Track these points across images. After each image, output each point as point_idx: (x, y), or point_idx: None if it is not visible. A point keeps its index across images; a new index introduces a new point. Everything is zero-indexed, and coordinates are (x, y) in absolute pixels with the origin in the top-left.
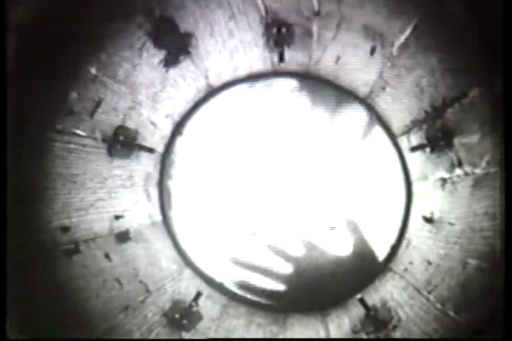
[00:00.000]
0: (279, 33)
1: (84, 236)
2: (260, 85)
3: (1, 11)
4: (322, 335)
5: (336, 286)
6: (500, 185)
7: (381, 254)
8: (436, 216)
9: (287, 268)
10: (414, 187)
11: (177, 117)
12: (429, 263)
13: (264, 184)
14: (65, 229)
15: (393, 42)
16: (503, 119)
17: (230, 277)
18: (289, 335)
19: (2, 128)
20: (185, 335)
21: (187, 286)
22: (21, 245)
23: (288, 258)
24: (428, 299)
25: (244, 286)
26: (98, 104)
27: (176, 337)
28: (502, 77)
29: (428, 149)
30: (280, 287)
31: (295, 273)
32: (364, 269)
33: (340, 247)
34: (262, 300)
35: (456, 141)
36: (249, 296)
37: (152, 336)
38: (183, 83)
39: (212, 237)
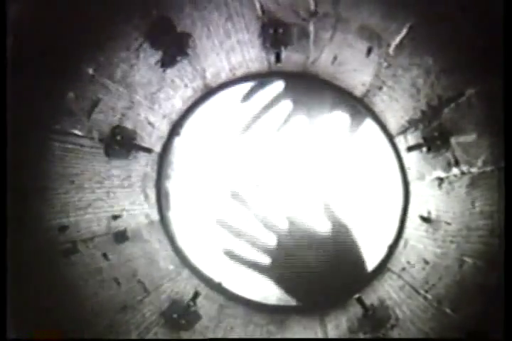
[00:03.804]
0: (275, 34)
1: (82, 235)
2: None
3: (1, 11)
4: (320, 335)
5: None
6: (499, 183)
7: (371, 263)
8: (433, 215)
9: (272, 241)
10: (412, 187)
11: (174, 117)
12: (426, 262)
13: (262, 184)
14: (63, 229)
15: (389, 42)
16: (503, 118)
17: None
18: (287, 335)
19: (2, 128)
20: (183, 335)
21: (185, 286)
22: (20, 245)
23: (273, 230)
24: (425, 298)
25: (232, 255)
26: (95, 104)
27: (174, 336)
28: (501, 76)
29: (425, 149)
30: (265, 260)
31: (280, 249)
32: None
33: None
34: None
35: (452, 140)
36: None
37: (150, 335)
38: (180, 83)
39: (210, 237)
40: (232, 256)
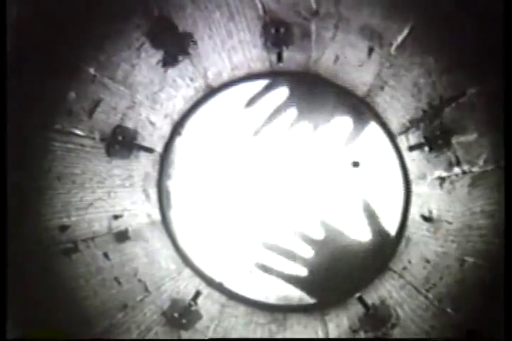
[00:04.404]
0: (277, 33)
1: (83, 235)
2: (259, 85)
3: (1, 11)
4: (321, 334)
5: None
6: (500, 183)
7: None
8: (434, 214)
9: (308, 252)
10: (413, 186)
11: (176, 117)
12: (427, 261)
13: (262, 184)
14: (64, 228)
15: (391, 42)
16: (504, 118)
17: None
18: (288, 334)
19: (2, 128)
20: (184, 334)
21: (186, 285)
22: (21, 244)
23: (309, 241)
24: (426, 297)
25: (267, 268)
26: (97, 103)
27: (175, 336)
28: (501, 76)
29: (426, 148)
30: (302, 271)
31: (316, 257)
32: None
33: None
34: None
35: (454, 139)
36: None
37: (151, 335)
38: (181, 83)
39: (211, 237)
40: (265, 269)
